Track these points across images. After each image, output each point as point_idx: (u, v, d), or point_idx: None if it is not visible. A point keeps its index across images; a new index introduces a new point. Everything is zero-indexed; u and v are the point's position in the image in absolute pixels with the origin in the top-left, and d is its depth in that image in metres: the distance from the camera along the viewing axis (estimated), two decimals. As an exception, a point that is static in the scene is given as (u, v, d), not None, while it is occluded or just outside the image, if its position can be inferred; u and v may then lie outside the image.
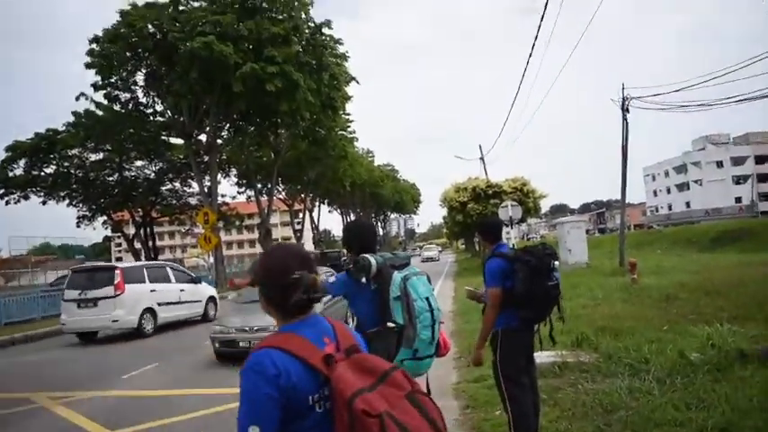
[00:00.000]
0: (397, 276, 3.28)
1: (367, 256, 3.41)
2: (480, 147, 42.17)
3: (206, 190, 32.58)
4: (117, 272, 15.19)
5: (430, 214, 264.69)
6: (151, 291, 15.93)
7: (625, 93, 22.12)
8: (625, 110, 22.11)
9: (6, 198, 33.64)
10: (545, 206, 54.98)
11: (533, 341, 4.62)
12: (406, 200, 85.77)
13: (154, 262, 21.71)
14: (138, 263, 19.47)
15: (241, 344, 10.30)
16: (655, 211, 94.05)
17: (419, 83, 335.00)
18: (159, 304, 16.03)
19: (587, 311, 11.03)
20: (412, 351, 3.19)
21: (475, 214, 32.10)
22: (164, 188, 39.70)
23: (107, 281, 14.97)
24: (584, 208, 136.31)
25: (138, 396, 8.61)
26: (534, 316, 4.46)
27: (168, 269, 17.53)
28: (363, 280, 3.38)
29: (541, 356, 6.48)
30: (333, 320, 1.96)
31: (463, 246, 77.11)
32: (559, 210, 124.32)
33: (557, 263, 4.50)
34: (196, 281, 18.23)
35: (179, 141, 33.69)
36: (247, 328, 10.35)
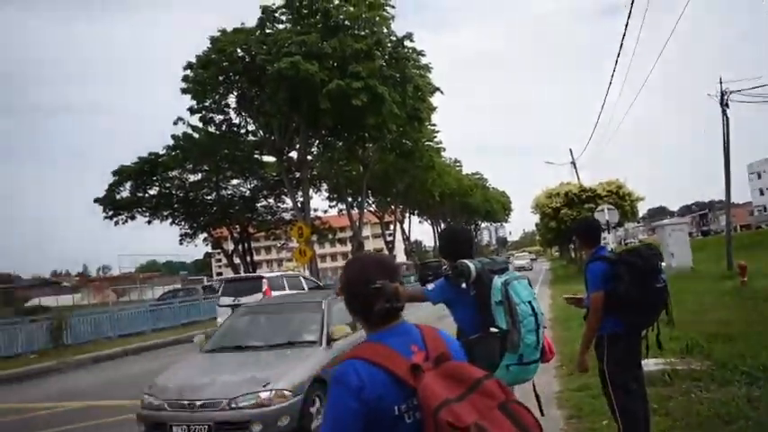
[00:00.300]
0: (497, 281, 3.23)
1: (465, 261, 3.38)
2: (571, 151, 40.78)
3: (299, 205, 33.38)
4: (264, 281, 17.27)
5: (522, 222, 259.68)
6: None
7: (723, 86, 21.01)
8: (724, 105, 21.00)
9: (115, 219, 35.77)
10: (642, 209, 52.74)
11: (641, 347, 4.42)
12: (497, 208, 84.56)
13: (289, 272, 23.08)
14: (278, 273, 21.21)
15: (174, 428, 6.14)
16: (763, 210, 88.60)
17: (502, 90, 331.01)
18: None
19: (696, 317, 10.49)
20: (517, 356, 3.12)
21: (568, 220, 31.29)
22: (259, 205, 41.05)
23: (256, 288, 16.94)
24: (685, 210, 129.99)
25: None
26: (641, 320, 4.27)
27: (301, 278, 19.13)
28: (463, 285, 3.35)
29: (649, 364, 6.20)
30: (424, 327, 1.92)
31: (557, 253, 75.23)
32: (658, 213, 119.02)
33: (663, 264, 4.32)
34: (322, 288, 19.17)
35: (271, 159, 34.72)
36: (186, 403, 6.25)
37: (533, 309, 3.21)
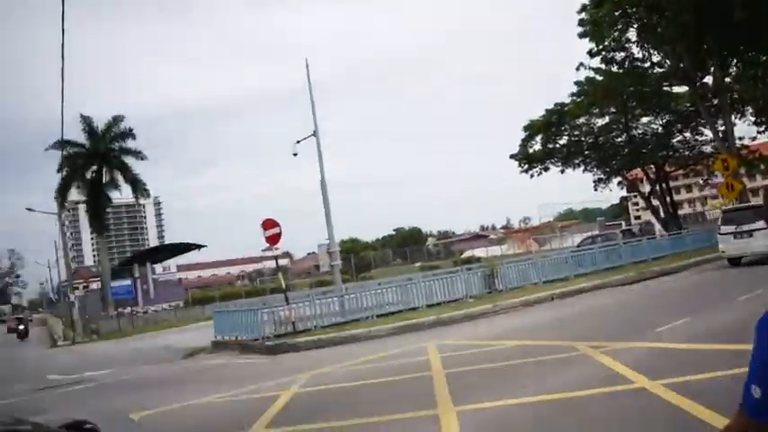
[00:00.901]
0: None
1: None
2: None
3: (720, 135, 30.43)
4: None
5: None
6: None
7: None
8: None
9: (530, 172, 37.80)
10: None
11: None
12: None
13: None
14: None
15: None
16: None
17: None
18: None
19: None
20: None
21: None
22: (674, 140, 38.52)
23: (757, 217, 17.86)
24: None
25: (673, 349, 8.54)
26: None
27: None
28: None
29: None
30: None
31: None
32: None
33: None
34: None
35: (682, 89, 32.28)
36: None
37: None
